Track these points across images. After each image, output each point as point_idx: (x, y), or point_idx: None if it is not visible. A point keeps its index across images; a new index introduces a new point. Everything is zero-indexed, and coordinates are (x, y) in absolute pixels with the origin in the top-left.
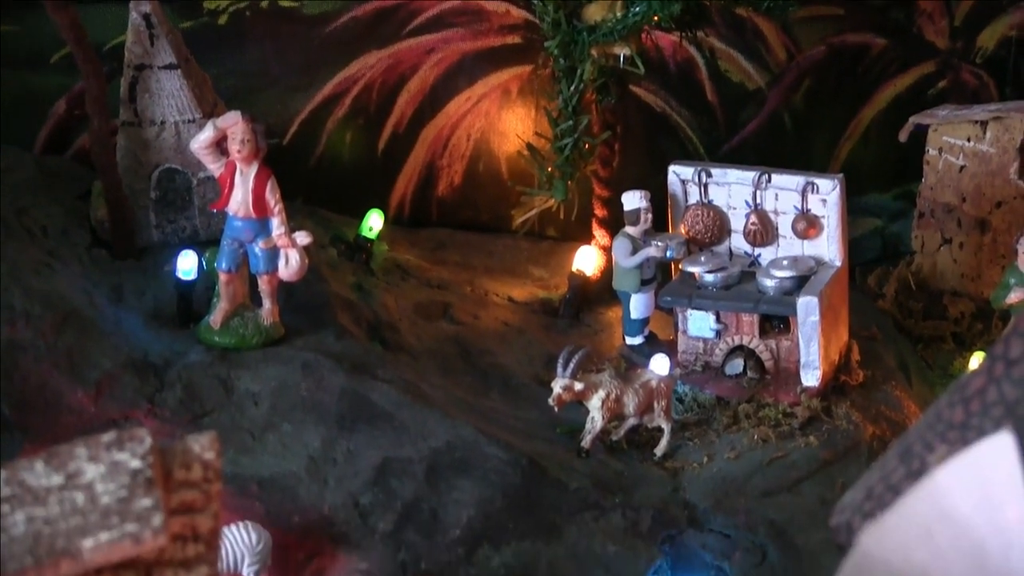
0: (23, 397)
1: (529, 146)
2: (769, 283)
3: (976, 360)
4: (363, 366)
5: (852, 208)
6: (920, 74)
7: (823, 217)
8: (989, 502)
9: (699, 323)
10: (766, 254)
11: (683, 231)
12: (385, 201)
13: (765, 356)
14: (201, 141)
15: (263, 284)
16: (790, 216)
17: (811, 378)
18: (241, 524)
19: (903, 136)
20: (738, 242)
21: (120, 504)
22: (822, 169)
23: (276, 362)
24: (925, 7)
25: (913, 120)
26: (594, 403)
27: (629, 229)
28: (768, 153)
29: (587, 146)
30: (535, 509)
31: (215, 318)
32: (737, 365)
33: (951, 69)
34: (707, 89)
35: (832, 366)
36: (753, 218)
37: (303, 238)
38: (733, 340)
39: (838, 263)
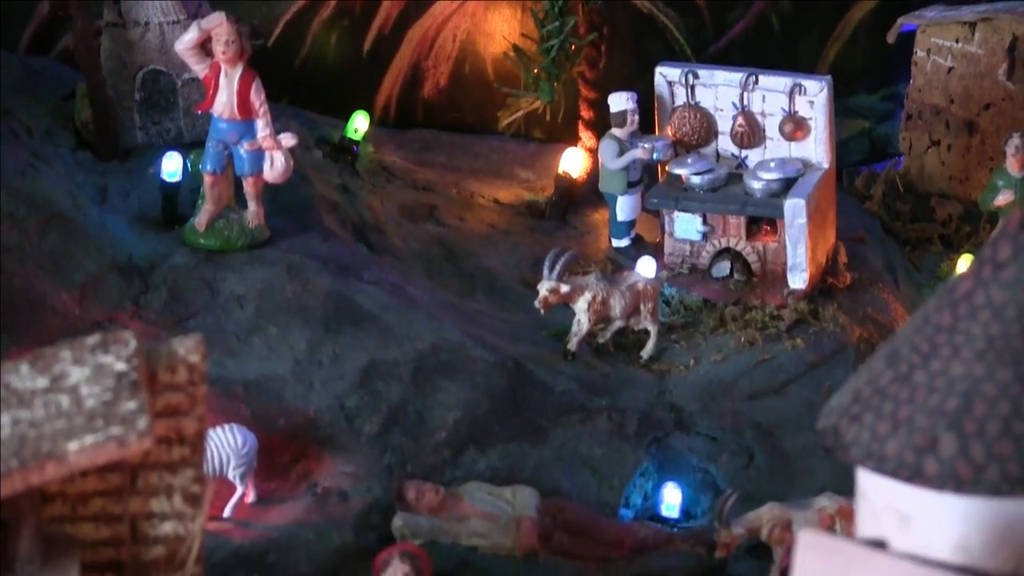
0: (7, 299)
1: (515, 47)
2: (756, 185)
3: (964, 262)
4: (349, 268)
5: (839, 110)
6: None
7: (810, 119)
8: None
9: (686, 225)
10: (753, 156)
11: (670, 133)
12: (370, 102)
13: (752, 258)
14: (185, 42)
15: (248, 186)
16: (777, 118)
17: (798, 280)
18: (227, 426)
19: (891, 37)
20: (725, 144)
21: (105, 407)
22: (810, 70)
23: (261, 264)
24: None
25: (901, 21)
26: (580, 305)
27: (615, 131)
28: (755, 54)
29: (573, 47)
30: (521, 411)
31: (200, 220)
32: (724, 267)
33: None
34: None
35: (819, 268)
36: (740, 120)
37: (288, 140)
38: (720, 242)
39: (825, 165)
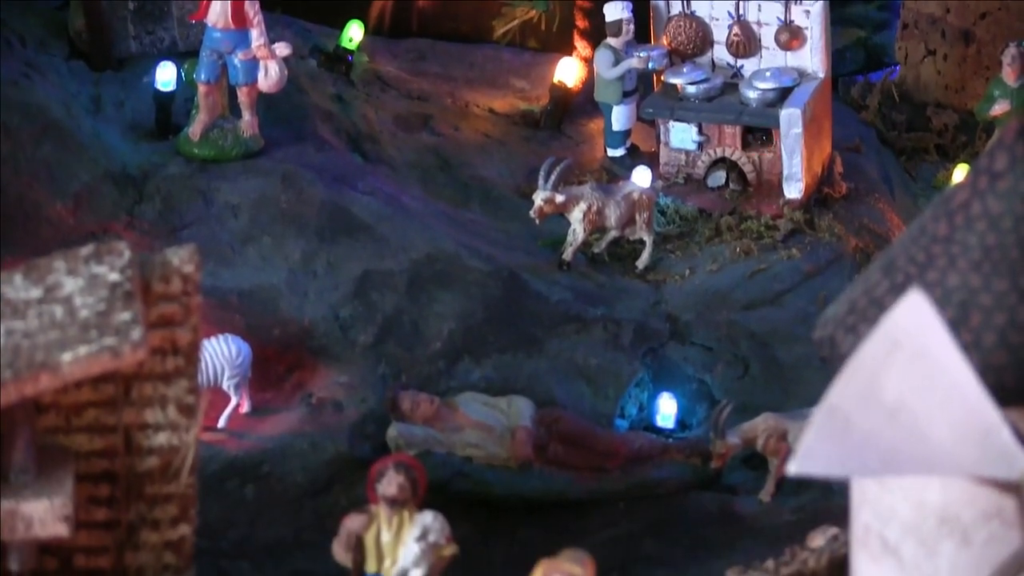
0: (1, 210)
1: None
2: (752, 95)
3: (960, 173)
4: (343, 178)
5: (835, 19)
6: None
7: (806, 28)
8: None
9: (681, 135)
10: (749, 65)
11: (665, 42)
12: (365, 11)
13: (747, 168)
14: None
15: (242, 96)
16: (773, 27)
17: (794, 190)
18: (221, 337)
19: None
20: (721, 53)
21: (99, 317)
22: None
23: (256, 174)
24: None
25: None
26: (575, 215)
27: (611, 40)
28: None
29: None
30: (516, 322)
31: (194, 130)
32: (719, 177)
33: None
34: None
35: (815, 178)
36: (736, 29)
37: (283, 49)
38: (715, 152)
39: (821, 74)
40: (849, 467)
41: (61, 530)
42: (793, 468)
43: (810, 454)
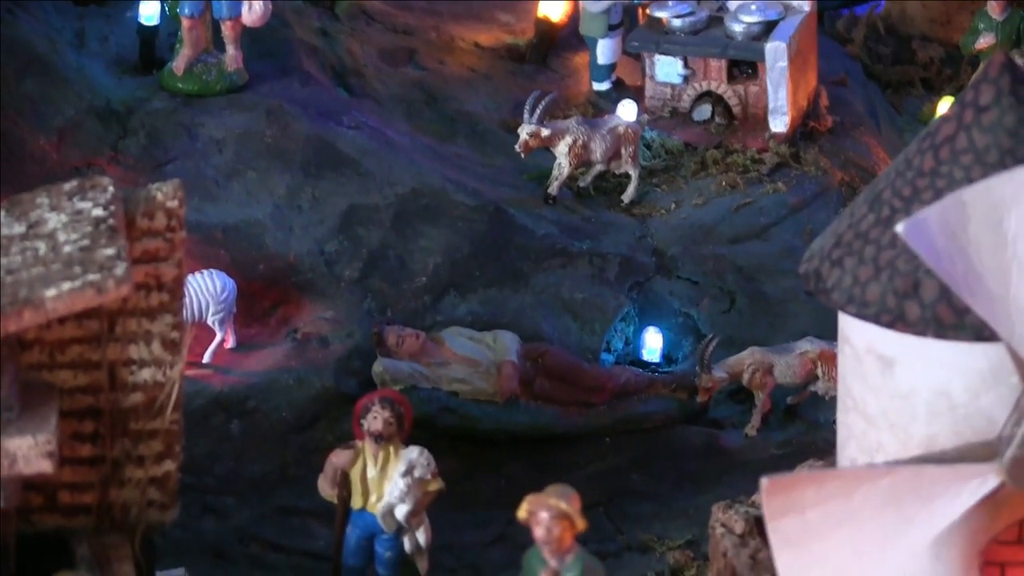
0: None
1: None
2: (737, 28)
3: (945, 106)
4: (328, 112)
5: None
6: None
7: None
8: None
9: (667, 68)
10: None
11: None
12: None
13: (733, 102)
14: None
15: (227, 30)
16: None
17: (779, 124)
18: (206, 272)
19: None
20: None
21: (83, 253)
22: None
23: (240, 109)
24: None
25: None
26: (561, 149)
27: None
28: None
29: None
30: (502, 256)
31: (178, 64)
32: (705, 111)
33: None
34: None
35: (800, 112)
36: None
37: None
38: (701, 86)
39: (807, 8)
40: (940, 262)
41: (45, 467)
42: (899, 228)
43: (921, 226)
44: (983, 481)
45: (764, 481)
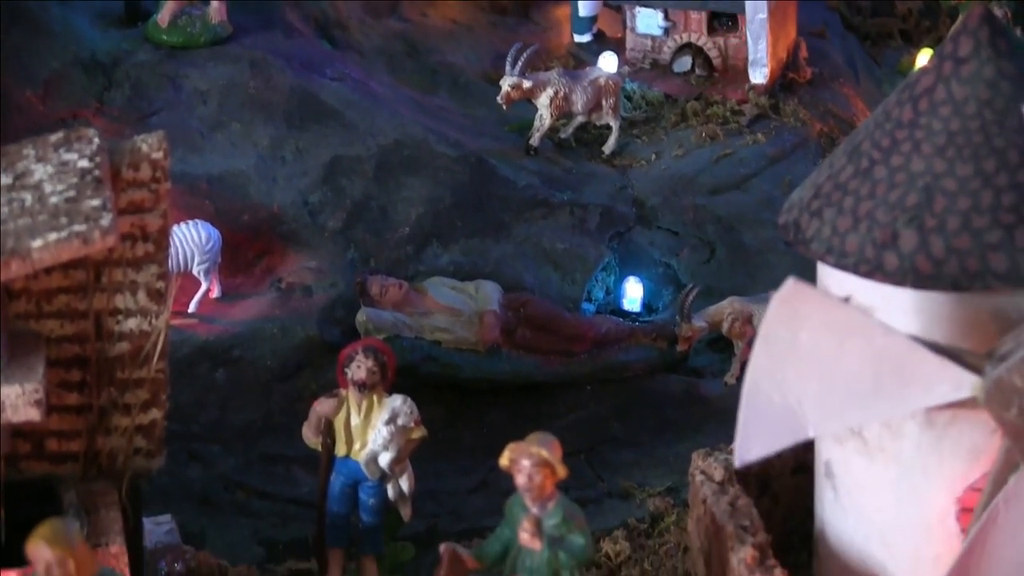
0: None
1: None
2: None
3: (924, 57)
4: (311, 64)
5: None
6: None
7: None
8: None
9: (647, 21)
10: None
11: None
12: None
13: (713, 54)
14: None
15: None
16: None
17: (759, 76)
18: (191, 222)
19: None
20: None
21: (69, 204)
22: None
23: (224, 60)
24: None
25: None
26: (542, 101)
27: None
28: None
29: None
30: (484, 207)
31: (162, 16)
32: (685, 63)
33: None
34: None
35: (780, 63)
36: None
37: None
38: (681, 38)
39: None
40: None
41: (33, 414)
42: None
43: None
44: (959, 387)
45: (790, 280)
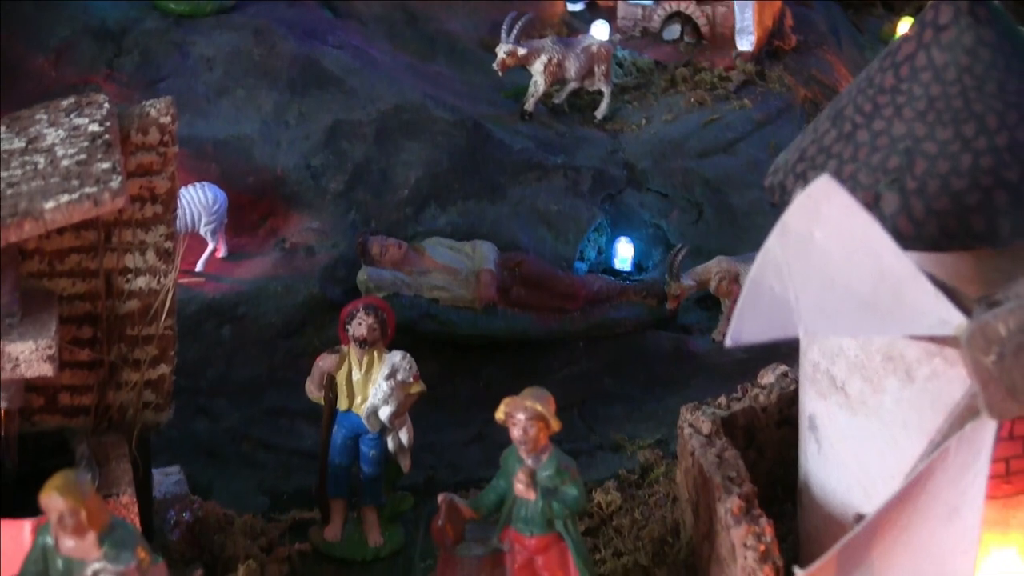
0: None
1: None
2: None
3: (905, 25)
4: (314, 32)
5: None
6: None
7: None
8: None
9: None
10: None
11: None
12: None
13: (701, 22)
14: None
15: None
16: None
17: (745, 43)
18: (198, 184)
19: None
20: None
21: (80, 167)
22: None
23: (229, 28)
24: None
25: None
26: (537, 67)
27: None
28: None
29: None
30: (480, 169)
31: None
32: (674, 31)
33: None
34: None
35: (766, 31)
36: None
37: None
38: (671, 6)
39: None
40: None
41: (46, 370)
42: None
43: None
44: (945, 323)
45: (824, 177)
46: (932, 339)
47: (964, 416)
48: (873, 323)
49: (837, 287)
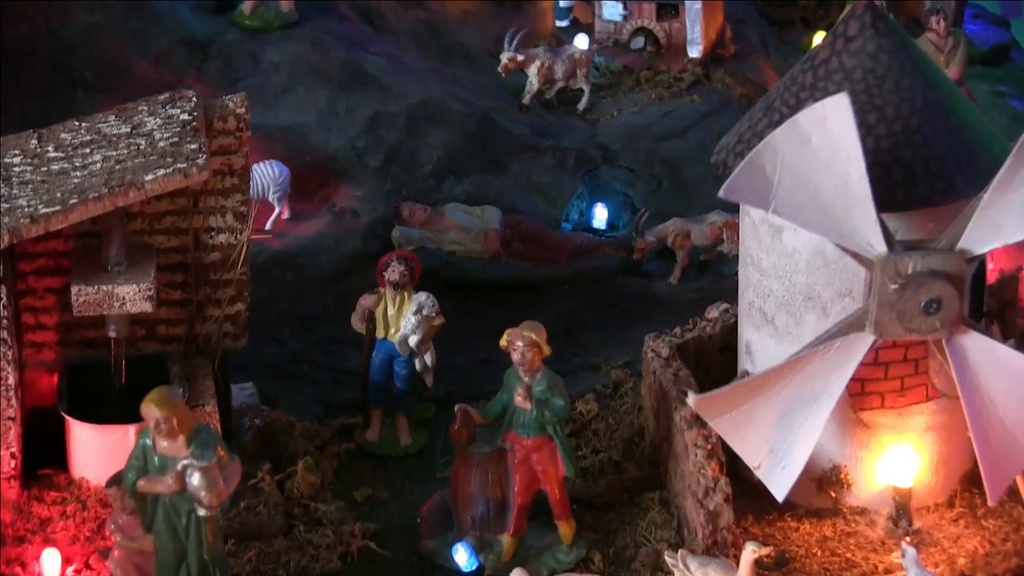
0: (100, 66)
1: None
2: None
3: (819, 38)
4: (358, 43)
5: None
6: None
7: None
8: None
9: (611, 10)
10: None
11: None
12: None
13: (660, 35)
14: None
15: None
16: None
17: (695, 51)
18: (267, 162)
19: None
20: None
21: (173, 147)
22: None
23: (292, 40)
24: None
25: None
26: (532, 70)
27: None
28: None
29: None
30: (487, 150)
31: (246, 6)
32: (639, 42)
33: None
34: None
35: (711, 42)
36: None
37: None
38: (636, 23)
39: None
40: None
41: (146, 307)
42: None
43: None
44: (870, 248)
45: (843, 96)
46: (856, 256)
47: (850, 327)
48: (821, 225)
49: (809, 186)
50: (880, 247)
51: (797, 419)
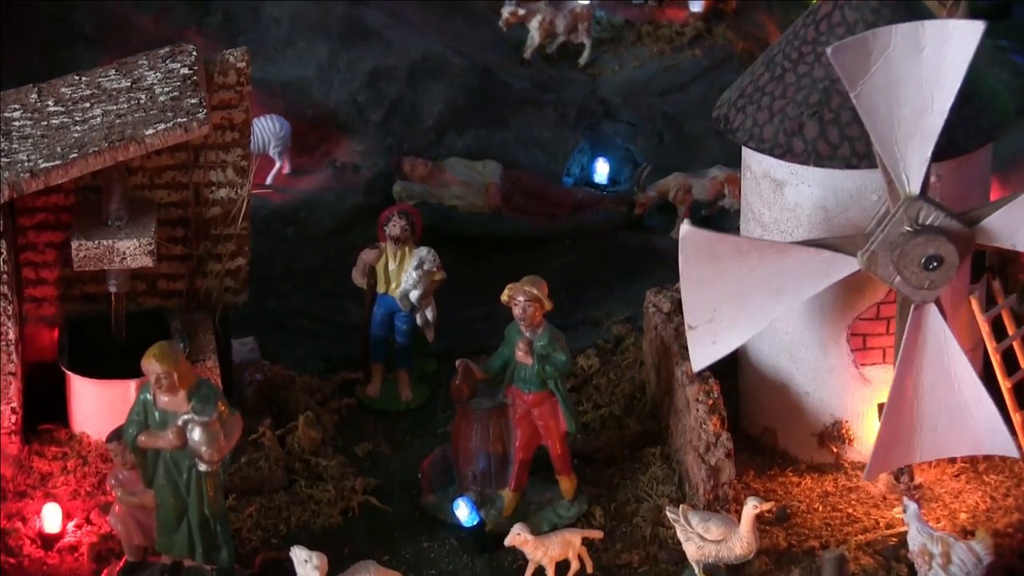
0: (100, 21)
1: None
2: None
3: None
4: None
5: None
6: None
7: None
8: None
9: None
10: None
11: None
12: None
13: None
14: None
15: None
16: None
17: (697, 5)
18: (268, 116)
19: None
20: None
21: (173, 102)
22: None
23: None
24: None
25: None
26: (533, 24)
27: None
28: None
29: None
30: (488, 105)
31: None
32: None
33: None
34: None
35: None
36: None
37: None
38: None
39: None
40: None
41: (147, 261)
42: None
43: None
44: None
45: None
46: (889, 184)
47: (845, 246)
48: (881, 135)
49: (893, 93)
50: (915, 187)
51: (751, 303)
